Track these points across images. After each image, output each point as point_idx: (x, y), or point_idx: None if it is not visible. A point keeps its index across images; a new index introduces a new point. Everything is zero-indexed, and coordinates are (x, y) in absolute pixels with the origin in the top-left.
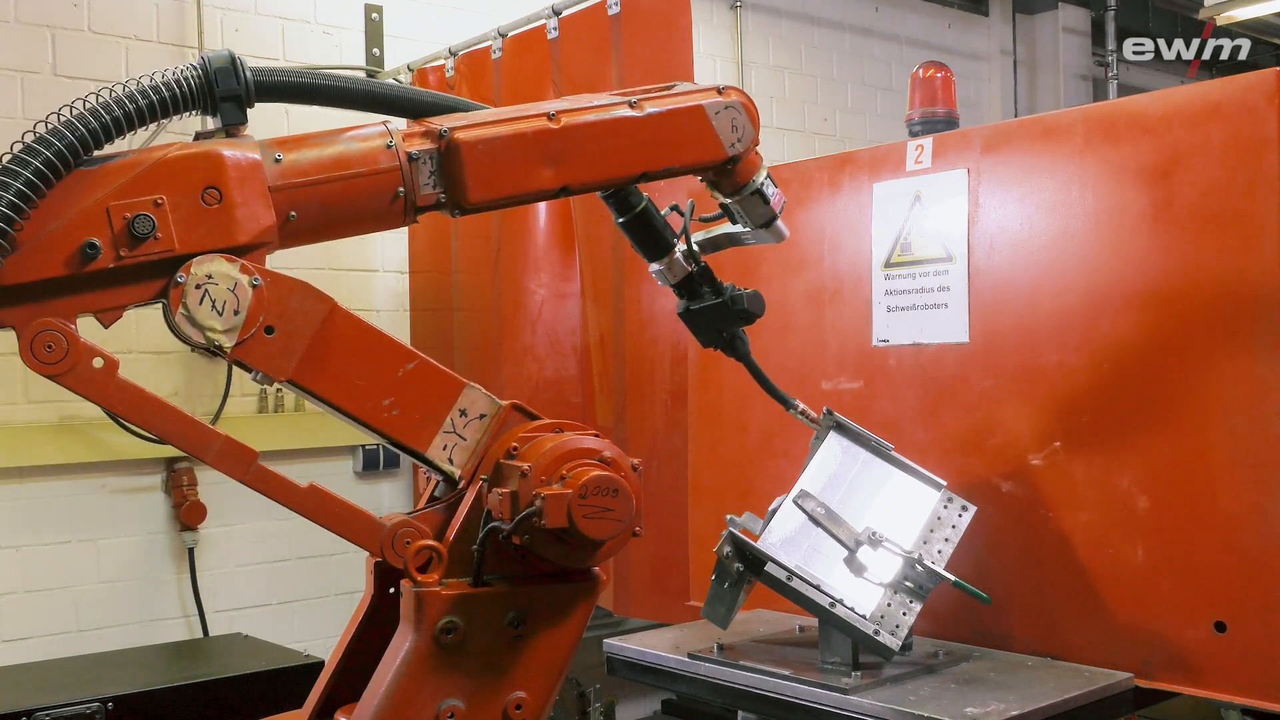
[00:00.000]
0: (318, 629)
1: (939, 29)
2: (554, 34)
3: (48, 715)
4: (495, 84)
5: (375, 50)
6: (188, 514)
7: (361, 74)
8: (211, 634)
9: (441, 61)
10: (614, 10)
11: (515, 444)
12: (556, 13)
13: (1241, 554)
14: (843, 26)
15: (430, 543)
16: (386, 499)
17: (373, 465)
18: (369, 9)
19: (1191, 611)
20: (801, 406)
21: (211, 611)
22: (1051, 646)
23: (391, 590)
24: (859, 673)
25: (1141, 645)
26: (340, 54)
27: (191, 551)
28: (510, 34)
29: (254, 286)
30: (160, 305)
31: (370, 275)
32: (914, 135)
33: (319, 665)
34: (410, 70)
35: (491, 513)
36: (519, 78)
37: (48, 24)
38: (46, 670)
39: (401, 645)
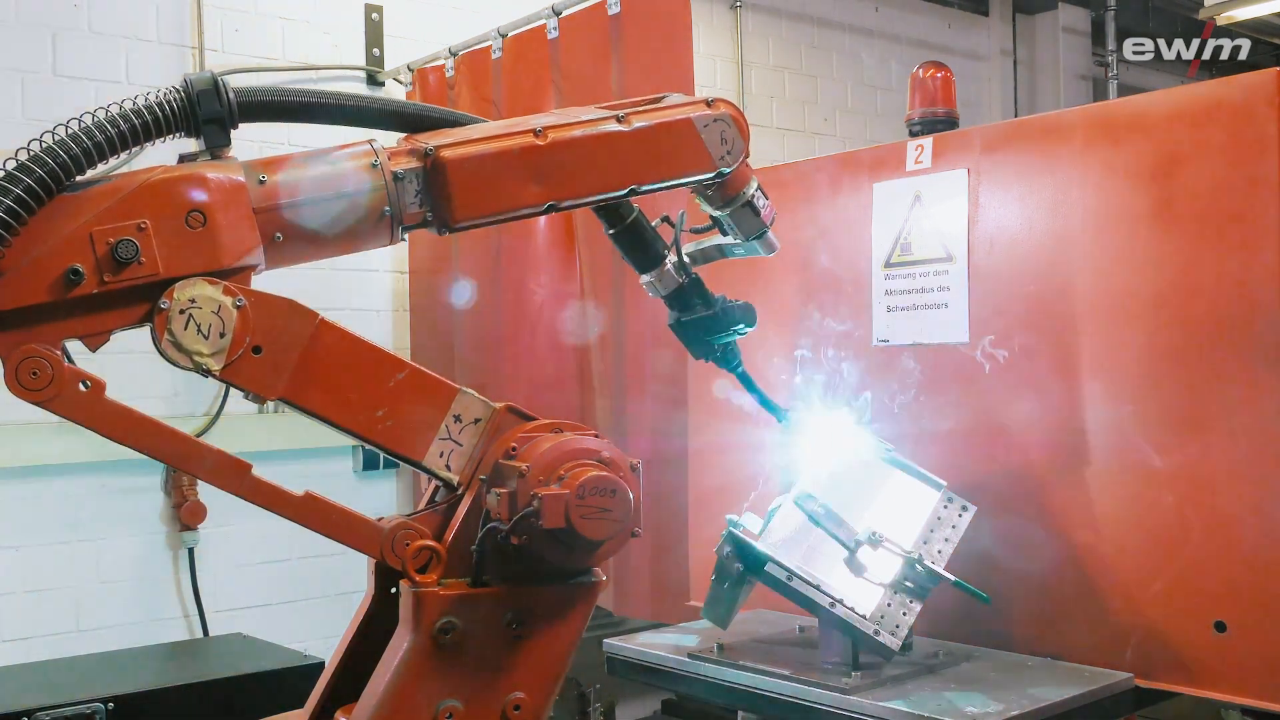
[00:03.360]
0: (318, 629)
1: (939, 29)
2: (554, 34)
3: (48, 715)
4: (495, 84)
5: (375, 50)
6: (188, 514)
7: (361, 74)
8: (211, 634)
9: (441, 61)
10: (614, 10)
11: (514, 444)
12: (556, 13)
13: (1241, 554)
14: (843, 26)
15: (429, 543)
16: (387, 499)
17: (373, 465)
18: (369, 9)
19: (1191, 611)
20: (795, 418)
21: (211, 611)
22: (1051, 646)
23: (393, 590)
24: (859, 673)
25: (1141, 645)
26: (340, 54)
27: (191, 551)
28: (510, 34)
29: (238, 307)
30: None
31: (370, 275)
32: (914, 135)
33: (319, 665)
34: (410, 70)
35: (490, 513)
36: (519, 78)
37: (48, 24)
38: (46, 670)
39: (400, 645)
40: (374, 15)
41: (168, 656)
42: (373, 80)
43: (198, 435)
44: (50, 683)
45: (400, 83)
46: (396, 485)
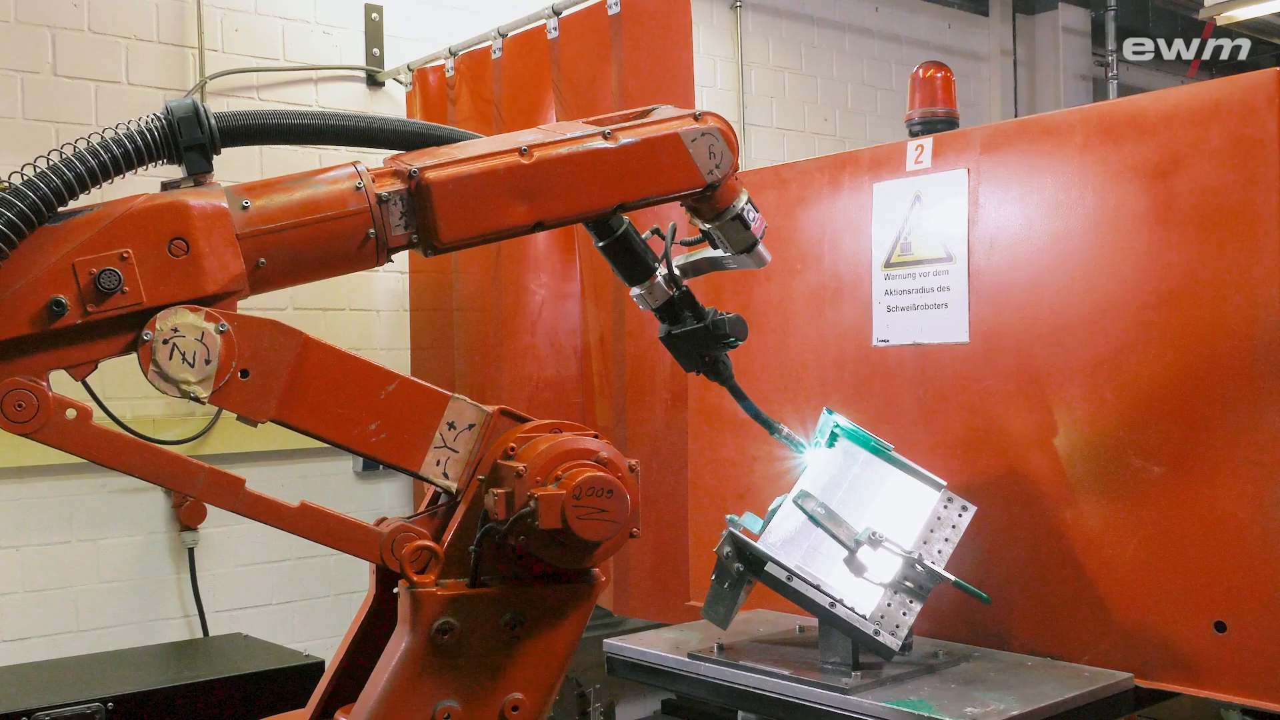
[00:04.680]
0: (318, 629)
1: (939, 29)
2: (554, 34)
3: (48, 715)
4: (495, 84)
5: (375, 50)
6: (188, 514)
7: (361, 74)
8: (211, 634)
9: (441, 61)
10: (614, 10)
11: (513, 444)
12: (556, 13)
13: (1241, 554)
14: (843, 26)
15: (427, 543)
16: (388, 499)
17: (373, 464)
18: (369, 9)
19: (1191, 611)
20: (786, 430)
21: (211, 611)
22: (1051, 646)
23: (394, 591)
24: (859, 673)
25: (1141, 645)
26: (340, 54)
27: (191, 551)
28: (510, 34)
29: (221, 333)
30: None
31: (370, 275)
32: (914, 135)
33: (319, 665)
34: (410, 70)
35: (489, 514)
36: (519, 78)
37: (48, 24)
38: (46, 670)
39: (398, 646)
40: (374, 15)
41: (168, 656)
42: (373, 80)
43: (198, 435)
44: (50, 683)
45: (400, 83)
46: (398, 485)
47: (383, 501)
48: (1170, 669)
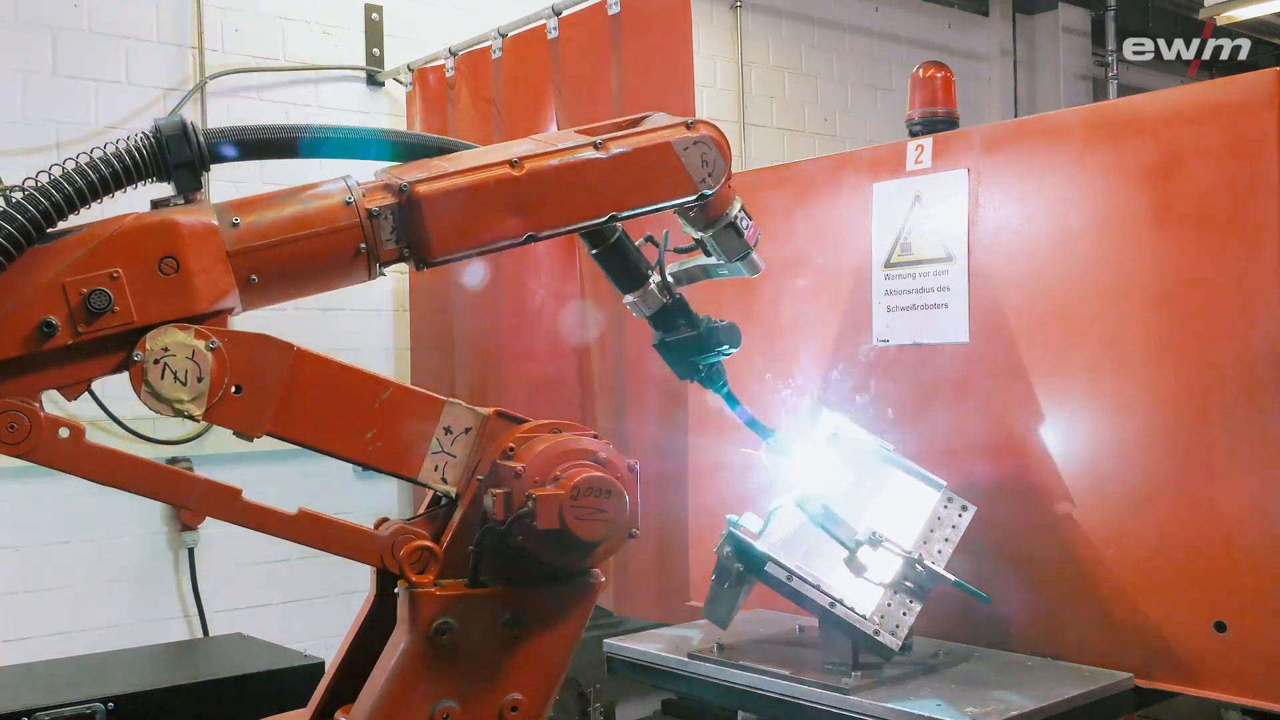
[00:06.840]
0: (318, 629)
1: (939, 29)
2: (554, 34)
3: (48, 715)
4: (495, 84)
5: (375, 50)
6: (188, 514)
7: (361, 74)
8: (211, 634)
9: (441, 61)
10: (614, 10)
11: (512, 445)
12: (556, 13)
13: (1241, 554)
14: (843, 26)
15: (426, 543)
16: (388, 498)
17: None
18: (369, 9)
19: (1191, 611)
20: (780, 437)
21: (211, 611)
22: (1051, 646)
23: (395, 591)
24: (859, 673)
25: (1141, 645)
26: (340, 54)
27: (191, 551)
28: (510, 34)
29: (212, 350)
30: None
31: None
32: (914, 135)
33: (319, 665)
34: (410, 70)
35: (487, 514)
36: (519, 78)
37: (48, 24)
38: (46, 670)
39: (397, 646)
40: (374, 15)
41: (168, 656)
42: (373, 80)
43: (198, 435)
44: (50, 683)
45: (400, 83)
46: (398, 485)
47: (384, 501)
48: (1170, 669)
